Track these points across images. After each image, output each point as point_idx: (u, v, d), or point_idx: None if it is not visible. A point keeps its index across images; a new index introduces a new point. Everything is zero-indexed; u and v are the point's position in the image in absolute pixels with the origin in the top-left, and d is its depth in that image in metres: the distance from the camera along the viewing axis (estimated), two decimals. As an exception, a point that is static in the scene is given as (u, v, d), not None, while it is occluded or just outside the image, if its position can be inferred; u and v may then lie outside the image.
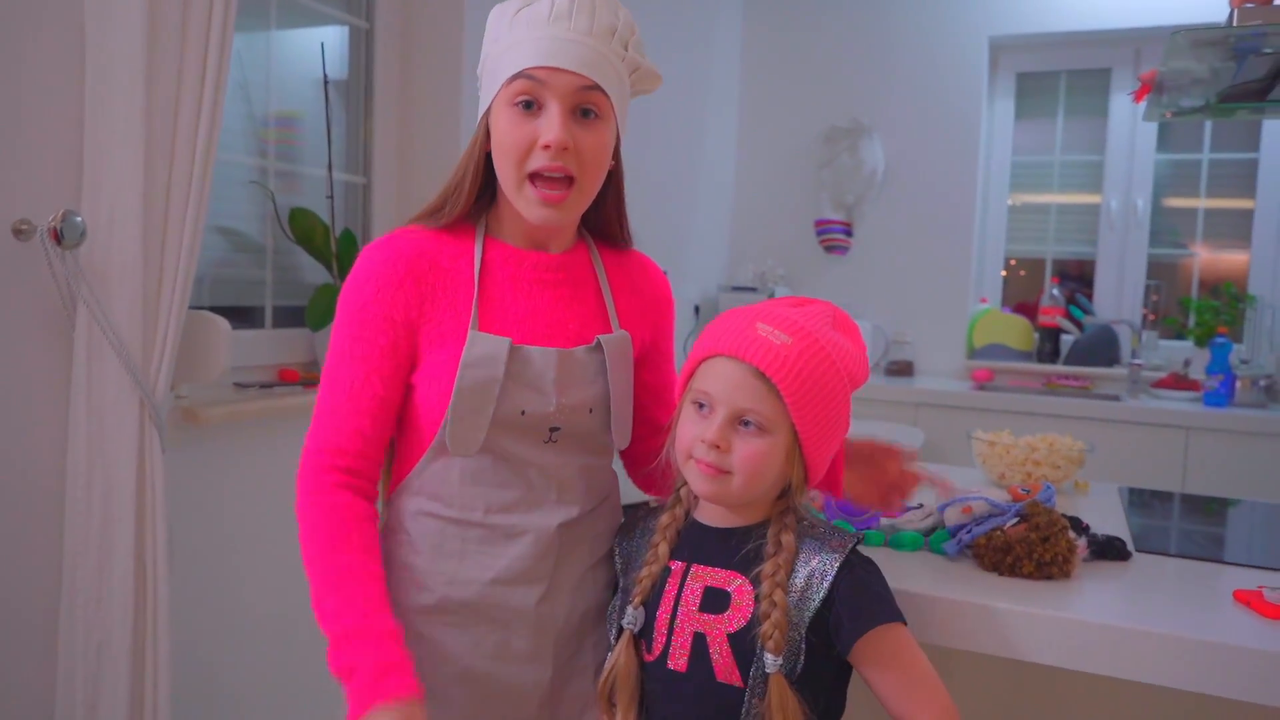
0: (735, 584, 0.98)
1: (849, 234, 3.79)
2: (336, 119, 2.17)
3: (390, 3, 2.35)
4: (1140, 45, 3.49)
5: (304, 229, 2.09)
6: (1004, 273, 3.81)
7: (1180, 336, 3.46)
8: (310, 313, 2.04)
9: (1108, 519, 1.45)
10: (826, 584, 0.95)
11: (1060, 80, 3.67)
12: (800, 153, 3.87)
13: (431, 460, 1.07)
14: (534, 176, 1.03)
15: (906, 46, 3.69)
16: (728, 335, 0.99)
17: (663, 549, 1.04)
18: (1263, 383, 3.06)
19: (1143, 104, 1.63)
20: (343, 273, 2.13)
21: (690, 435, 1.00)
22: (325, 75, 2.13)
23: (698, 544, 1.03)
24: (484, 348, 1.04)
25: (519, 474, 1.08)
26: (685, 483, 1.05)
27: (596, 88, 1.03)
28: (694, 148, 3.63)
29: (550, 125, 1.01)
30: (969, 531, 1.20)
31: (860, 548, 1.00)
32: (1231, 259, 3.47)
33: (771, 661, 0.93)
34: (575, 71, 1.02)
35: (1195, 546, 1.40)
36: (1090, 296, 3.64)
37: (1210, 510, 1.74)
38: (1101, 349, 3.44)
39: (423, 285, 1.06)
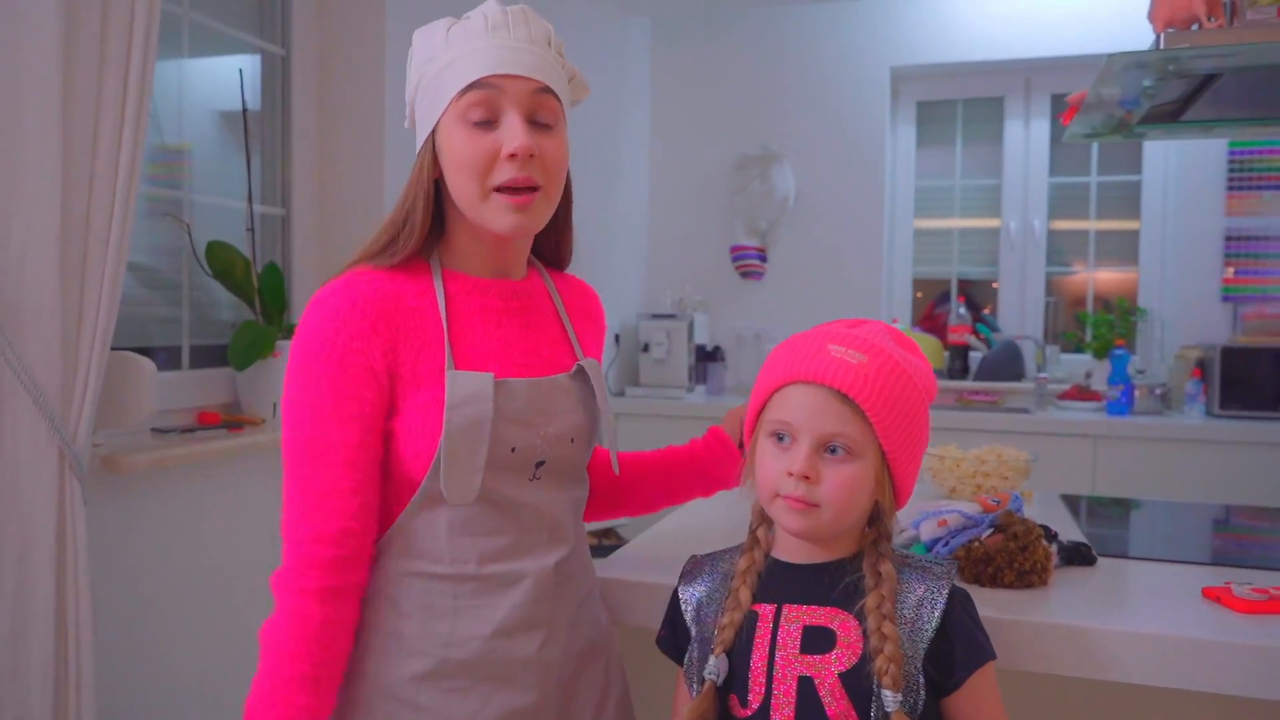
0: (838, 620, 0.92)
1: (764, 259, 3.85)
2: (240, 150, 2.08)
3: (307, 29, 2.28)
4: (1030, 75, 3.67)
5: (223, 263, 1.99)
6: (919, 294, 3.93)
7: (1079, 350, 3.63)
8: (233, 351, 1.93)
9: (1062, 526, 1.49)
10: (938, 613, 0.90)
11: (958, 108, 3.83)
12: (713, 180, 3.92)
13: (415, 515, 1.00)
14: (499, 189, 1.00)
15: (813, 75, 3.79)
16: (800, 360, 0.93)
17: (744, 594, 0.96)
18: (1159, 391, 3.23)
19: (1067, 125, 1.70)
20: (266, 309, 2.03)
21: (774, 471, 0.93)
22: (244, 103, 2.04)
23: (784, 584, 0.96)
24: (468, 386, 0.99)
25: (510, 518, 1.02)
26: (763, 523, 1.00)
27: (550, 91, 1.02)
28: (607, 178, 3.63)
29: (514, 133, 0.98)
30: (946, 544, 1.20)
31: None
32: (1122, 275, 3.66)
33: (891, 699, 0.86)
34: (529, 76, 1.00)
35: (1150, 548, 1.45)
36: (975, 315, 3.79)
37: (1143, 512, 1.81)
38: (1008, 364, 3.57)
39: (393, 328, 0.99)
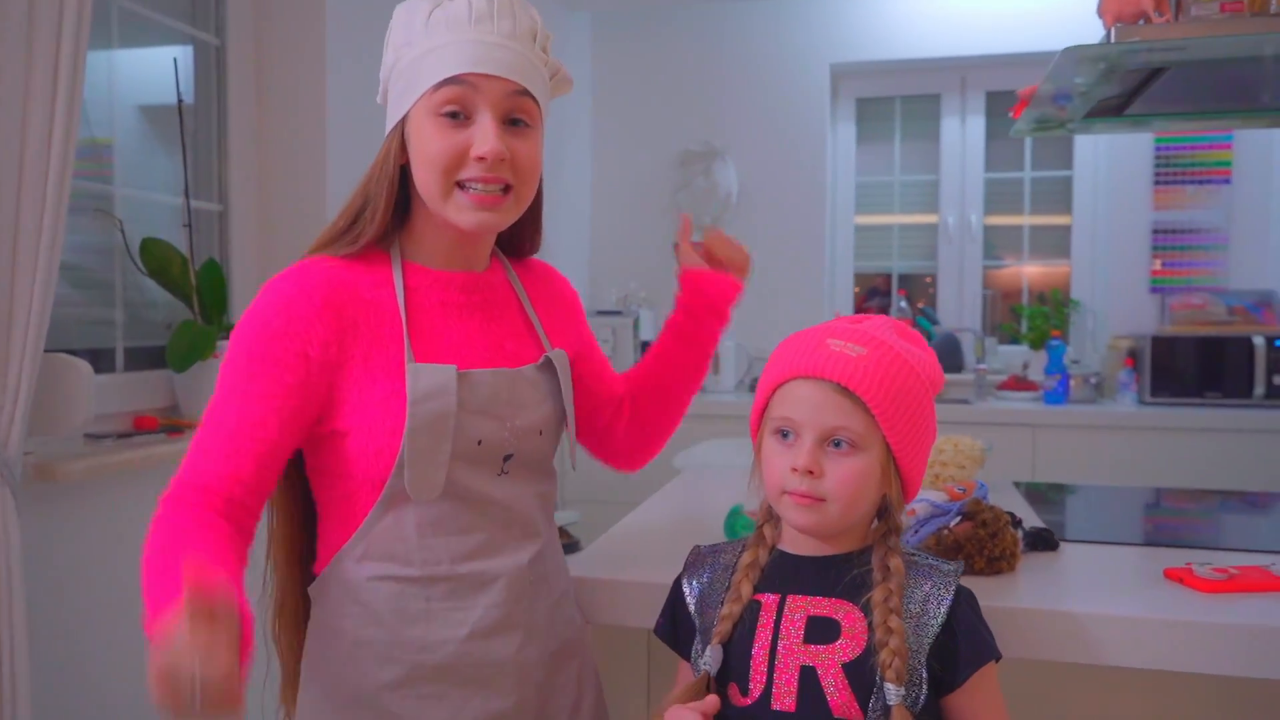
0: (843, 611, 0.91)
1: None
2: (168, 145, 1.99)
3: (243, 17, 2.20)
4: (965, 73, 3.75)
5: (158, 261, 1.91)
6: (857, 290, 3.98)
7: (1015, 341, 3.72)
8: (171, 353, 1.86)
9: (1020, 513, 1.51)
10: (944, 609, 0.90)
11: (896, 105, 3.88)
12: (656, 176, 3.91)
13: (381, 515, 0.97)
14: (462, 184, 0.97)
15: (754, 72, 3.81)
16: (799, 356, 0.93)
17: (745, 588, 0.95)
18: (1093, 380, 3.32)
19: (1016, 119, 1.73)
20: (205, 308, 1.96)
21: (780, 467, 0.92)
22: (179, 94, 1.96)
23: (789, 574, 0.95)
24: (430, 379, 0.96)
25: (481, 514, 1.00)
26: (769, 520, 0.98)
27: (527, 93, 0.99)
28: (550, 174, 3.56)
29: (485, 136, 0.95)
30: (915, 533, 1.21)
31: None
32: (1054, 269, 3.76)
33: (894, 692, 0.85)
34: (507, 78, 0.96)
35: (1108, 532, 1.48)
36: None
37: (1075, 492, 1.86)
38: (947, 356, 3.64)
39: (343, 319, 0.96)
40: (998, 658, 0.92)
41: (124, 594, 1.73)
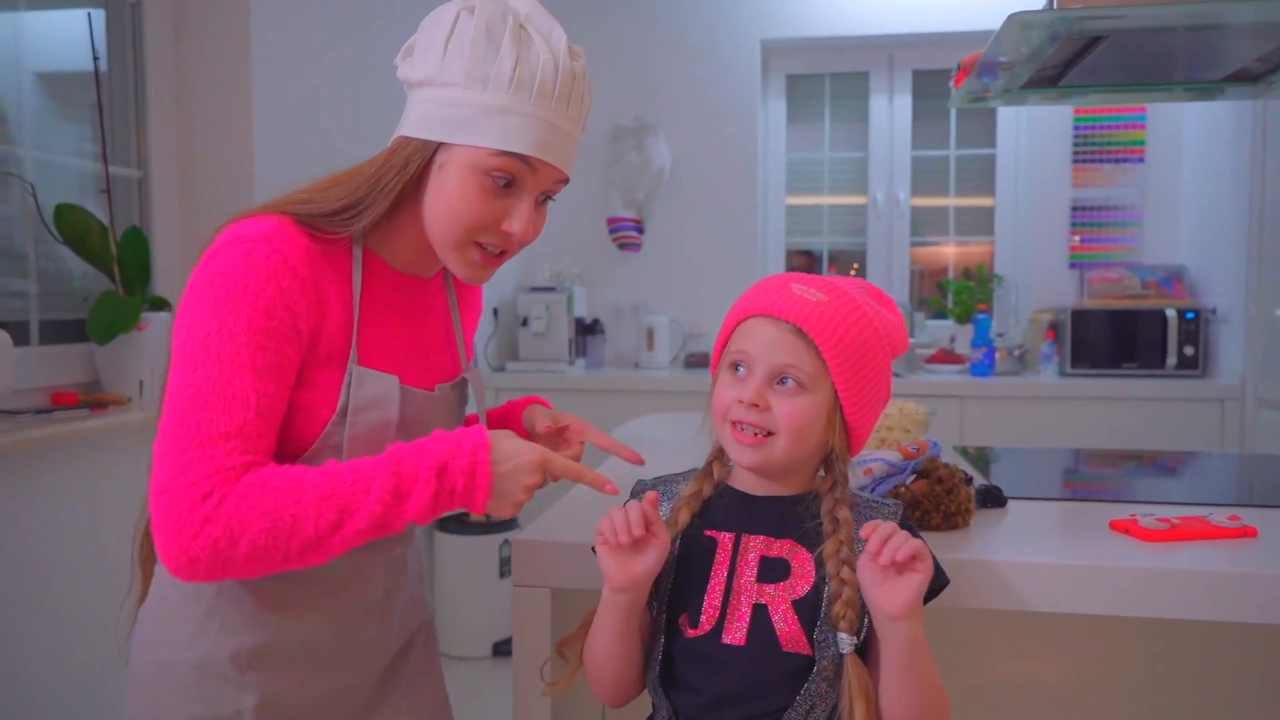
0: (793, 552, 0.94)
1: (641, 231, 3.84)
2: (72, 113, 1.89)
3: (161, -25, 2.09)
4: (893, 50, 3.80)
5: (75, 229, 1.81)
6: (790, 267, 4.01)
7: (941, 316, 3.80)
8: (92, 325, 1.77)
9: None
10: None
11: (825, 83, 3.92)
12: (588, 151, 3.87)
13: None
14: (478, 242, 0.98)
15: (685, 47, 3.80)
16: (762, 296, 0.95)
17: (683, 517, 0.97)
18: (1016, 352, 3.42)
19: (958, 87, 1.76)
20: (128, 278, 1.86)
21: (728, 398, 0.94)
22: (95, 54, 1.85)
23: (743, 515, 0.97)
24: (374, 388, 0.95)
25: None
26: (719, 457, 0.99)
27: (566, 181, 1.01)
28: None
29: (521, 217, 0.97)
30: (873, 490, 1.22)
31: None
32: (978, 248, 3.86)
33: (846, 641, 0.89)
34: (563, 170, 0.98)
35: (1045, 489, 1.52)
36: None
37: (999, 460, 1.91)
38: (877, 331, 3.69)
39: (318, 295, 0.93)
40: (944, 583, 0.94)
41: (42, 570, 1.64)
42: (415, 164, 0.95)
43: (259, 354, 0.87)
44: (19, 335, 1.81)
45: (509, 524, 3.11)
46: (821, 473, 0.98)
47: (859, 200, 3.91)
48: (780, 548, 0.95)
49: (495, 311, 3.64)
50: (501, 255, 1.00)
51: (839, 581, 0.90)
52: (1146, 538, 1.14)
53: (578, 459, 1.07)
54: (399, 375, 0.98)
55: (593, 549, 0.96)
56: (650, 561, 0.92)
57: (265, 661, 0.96)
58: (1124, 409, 3.15)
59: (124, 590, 1.05)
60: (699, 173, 3.81)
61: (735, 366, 0.96)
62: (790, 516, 0.95)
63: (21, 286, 1.83)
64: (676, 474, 1.05)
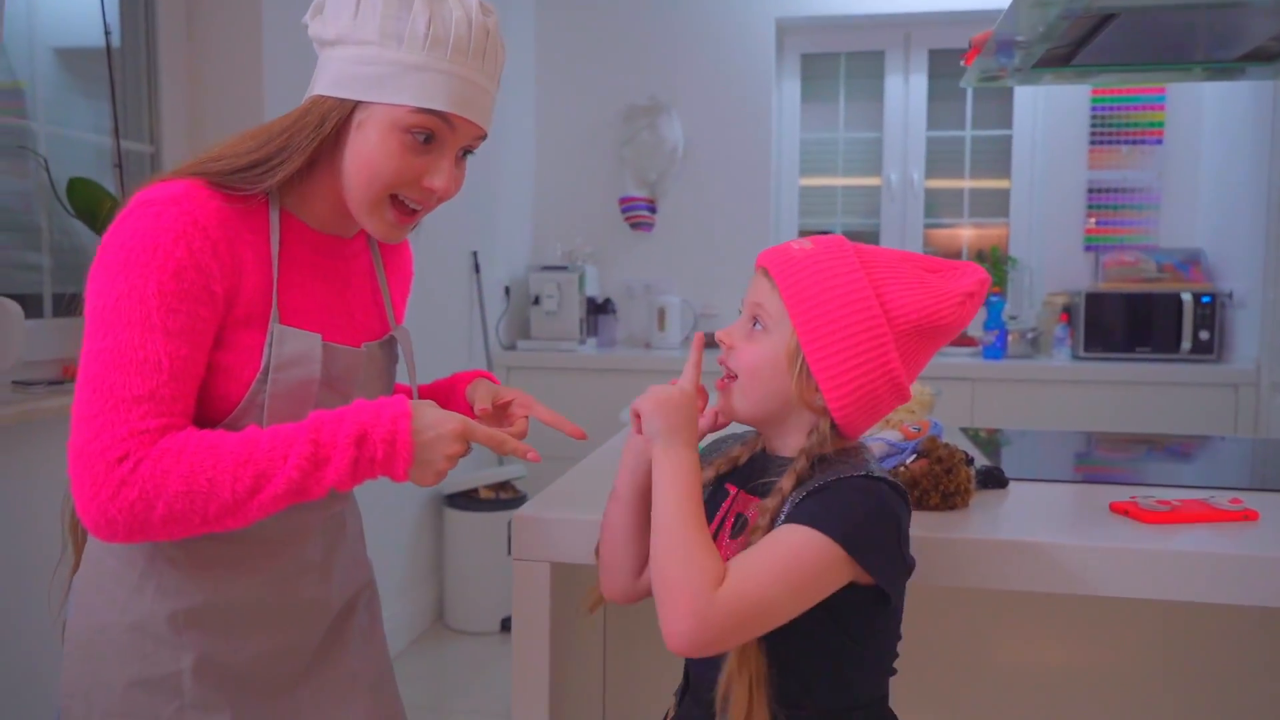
0: (754, 508, 0.92)
1: (653, 210, 3.83)
2: (88, 89, 1.90)
3: (173, -50, 2.10)
4: (910, 30, 3.76)
5: (86, 202, 1.82)
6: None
7: (954, 299, 3.77)
8: (104, 298, 1.78)
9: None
10: (788, 507, 0.87)
11: (840, 62, 3.89)
12: (601, 131, 3.86)
13: None
14: (395, 198, 0.98)
15: (700, 25, 3.77)
16: (767, 250, 0.97)
17: (708, 472, 0.99)
18: (1030, 335, 3.40)
19: (969, 65, 1.74)
20: (139, 252, 1.87)
21: None
22: (106, 28, 1.86)
23: (752, 471, 0.98)
24: (295, 345, 0.95)
25: None
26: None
27: (484, 137, 1.01)
28: (493, 129, 3.50)
29: (442, 173, 0.97)
30: (872, 471, 1.22)
31: None
32: (994, 230, 3.82)
33: None
34: (481, 126, 0.99)
35: (1050, 472, 1.52)
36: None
37: (1010, 443, 1.90)
38: (889, 313, 3.68)
39: (232, 256, 0.92)
40: (813, 528, 0.84)
41: (53, 541, 1.67)
42: (332, 122, 0.94)
43: (170, 316, 0.87)
44: (32, 308, 1.84)
45: (519, 500, 3.13)
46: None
47: (873, 181, 3.89)
48: (749, 504, 0.94)
49: (507, 290, 3.65)
50: (417, 212, 1.00)
51: (754, 536, 0.87)
52: (1146, 519, 1.14)
53: (523, 435, 1.07)
54: (321, 333, 0.98)
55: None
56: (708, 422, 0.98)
57: (202, 621, 0.97)
58: (1137, 393, 3.13)
59: (55, 560, 1.07)
60: (712, 152, 3.79)
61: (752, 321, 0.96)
62: (767, 481, 0.93)
63: (35, 260, 1.85)
64: (737, 436, 1.05)
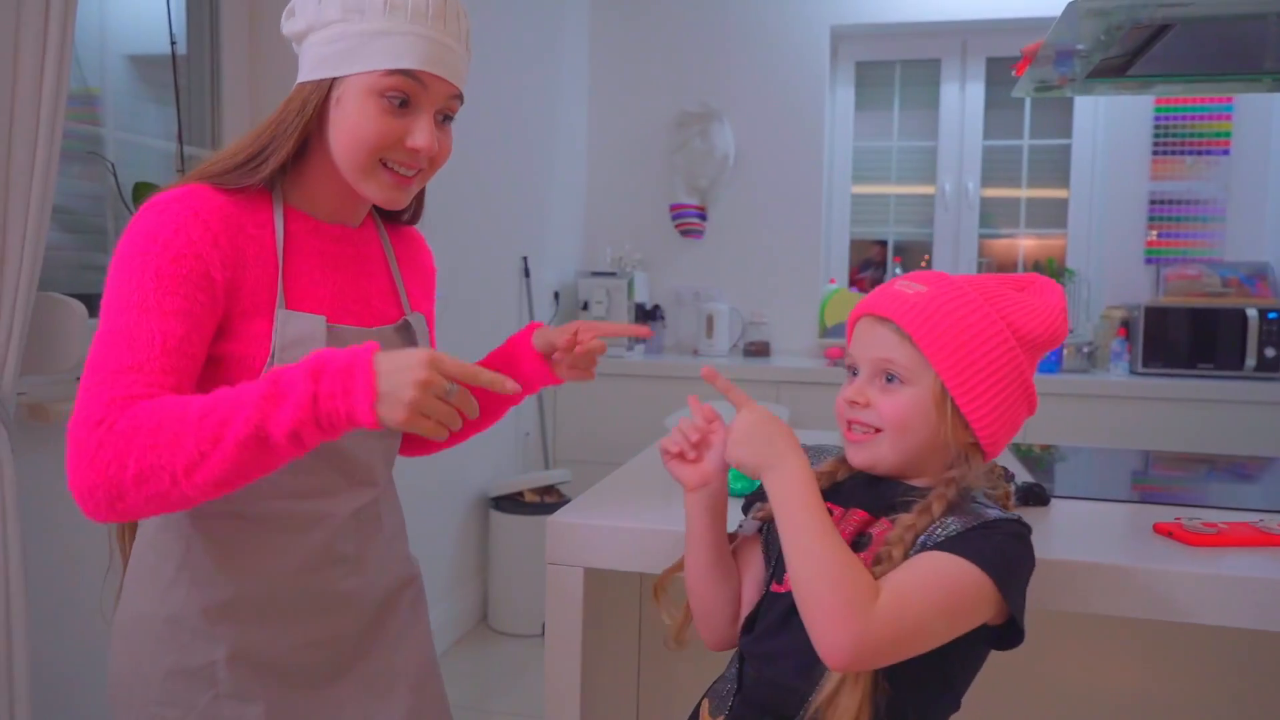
0: (881, 528, 0.93)
1: (703, 218, 3.83)
2: (157, 94, 1.97)
3: (237, -38, 2.16)
4: (967, 37, 3.71)
5: (151, 206, 1.89)
6: (854, 266, 3.97)
7: (1009, 310, 3.71)
8: (164, 298, 1.84)
9: (1012, 470, 1.52)
10: (947, 532, 0.87)
11: (895, 70, 3.85)
12: (652, 137, 3.88)
13: None
14: (385, 163, 1.01)
15: (753, 32, 3.77)
16: (870, 296, 0.97)
17: None
18: (1086, 349, 3.33)
19: (1020, 76, 1.71)
20: (199, 254, 1.94)
21: (840, 401, 0.97)
22: (172, 37, 1.93)
23: (863, 492, 0.97)
24: (298, 327, 0.98)
25: (321, 459, 1.03)
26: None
27: (460, 96, 1.04)
28: (546, 135, 3.56)
29: (423, 132, 1.00)
30: (909, 485, 1.22)
31: None
32: (1050, 241, 3.75)
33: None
34: (452, 82, 1.02)
35: (1098, 490, 1.49)
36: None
37: (1066, 459, 1.87)
38: (942, 324, 3.63)
39: (235, 249, 0.96)
40: (966, 558, 0.84)
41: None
42: (313, 104, 0.99)
43: (166, 298, 0.90)
44: (97, 307, 1.90)
45: (563, 504, 3.16)
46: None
47: (927, 190, 3.84)
48: (876, 526, 0.94)
49: (556, 295, 3.68)
50: (416, 176, 1.03)
51: (886, 552, 0.87)
52: (1191, 542, 1.11)
53: (601, 352, 1.18)
54: (328, 315, 1.01)
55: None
56: (718, 454, 0.97)
57: (235, 613, 1.01)
58: (1198, 411, 3.04)
59: (105, 567, 1.12)
60: (764, 160, 3.79)
61: (852, 370, 0.97)
62: (900, 502, 0.93)
63: (100, 260, 1.92)
64: (831, 446, 1.07)
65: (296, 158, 1.03)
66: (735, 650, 1.03)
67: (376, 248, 1.14)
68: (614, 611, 1.38)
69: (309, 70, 1.00)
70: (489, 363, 1.22)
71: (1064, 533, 1.20)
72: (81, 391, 0.89)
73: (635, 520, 1.19)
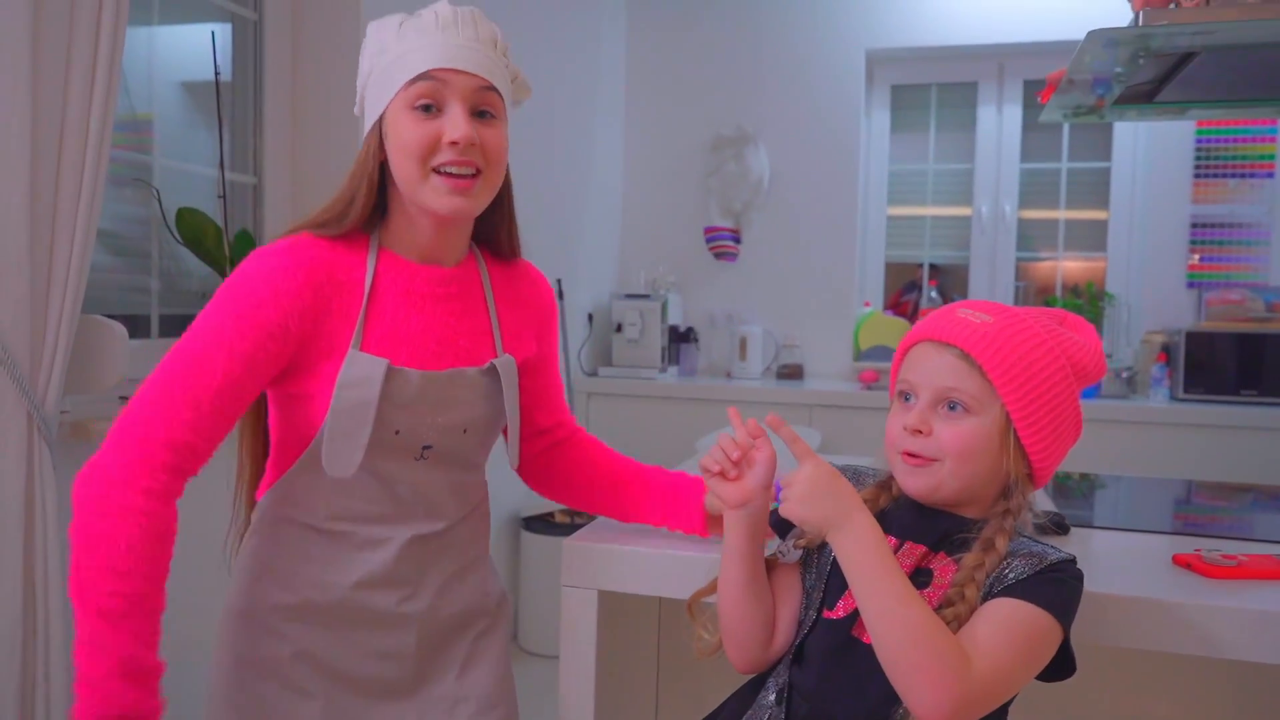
0: (941, 564, 0.93)
1: (738, 240, 3.85)
2: (203, 120, 2.04)
3: (281, -5, 2.24)
4: (1004, 60, 3.70)
5: (193, 230, 1.95)
6: (888, 280, 3.95)
7: (1047, 334, 3.67)
8: (204, 320, 1.90)
9: (1035, 499, 1.51)
10: (1014, 575, 0.88)
11: (931, 93, 3.85)
12: (687, 161, 3.91)
13: (303, 471, 1.07)
14: (437, 169, 1.04)
15: (789, 56, 3.79)
16: (930, 322, 0.97)
17: None
18: (1125, 374, 3.28)
19: (1045, 103, 1.71)
20: (238, 277, 2.00)
21: (895, 427, 0.96)
22: (216, 67, 2.00)
23: (915, 523, 0.97)
24: (361, 369, 1.03)
25: (388, 489, 1.09)
26: (894, 476, 1.00)
27: (493, 89, 1.07)
28: (582, 157, 3.61)
29: (456, 123, 1.03)
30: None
31: None
32: (1090, 263, 3.71)
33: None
34: (474, 73, 1.05)
35: (1127, 520, 1.47)
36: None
37: (1108, 487, 1.84)
38: (978, 348, 3.60)
39: (319, 298, 1.04)
40: (1037, 605, 0.86)
41: (186, 545, 1.78)
42: (373, 145, 1.06)
43: (239, 340, 1.00)
44: (141, 328, 1.97)
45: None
46: (1001, 500, 0.95)
47: (963, 211, 3.82)
48: (935, 560, 0.94)
49: (590, 317, 3.72)
50: (472, 178, 1.05)
51: (959, 594, 0.88)
52: (1209, 574, 1.10)
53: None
54: (393, 358, 1.05)
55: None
56: (760, 473, 0.97)
57: (302, 616, 1.09)
58: (1242, 438, 2.97)
59: (189, 565, 1.20)
60: (798, 183, 3.80)
61: (904, 396, 0.96)
62: (956, 535, 0.93)
63: (145, 283, 1.99)
64: (869, 469, 1.07)
65: (387, 204, 1.10)
66: (774, 679, 1.01)
67: (475, 287, 1.16)
68: (631, 635, 1.40)
69: (366, 121, 1.09)
70: (660, 482, 1.25)
71: (1080, 563, 1.19)
72: (148, 392, 0.98)
73: (651, 543, 1.20)
